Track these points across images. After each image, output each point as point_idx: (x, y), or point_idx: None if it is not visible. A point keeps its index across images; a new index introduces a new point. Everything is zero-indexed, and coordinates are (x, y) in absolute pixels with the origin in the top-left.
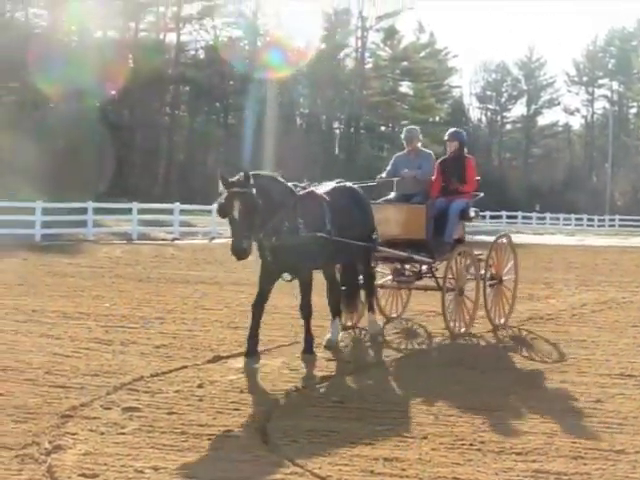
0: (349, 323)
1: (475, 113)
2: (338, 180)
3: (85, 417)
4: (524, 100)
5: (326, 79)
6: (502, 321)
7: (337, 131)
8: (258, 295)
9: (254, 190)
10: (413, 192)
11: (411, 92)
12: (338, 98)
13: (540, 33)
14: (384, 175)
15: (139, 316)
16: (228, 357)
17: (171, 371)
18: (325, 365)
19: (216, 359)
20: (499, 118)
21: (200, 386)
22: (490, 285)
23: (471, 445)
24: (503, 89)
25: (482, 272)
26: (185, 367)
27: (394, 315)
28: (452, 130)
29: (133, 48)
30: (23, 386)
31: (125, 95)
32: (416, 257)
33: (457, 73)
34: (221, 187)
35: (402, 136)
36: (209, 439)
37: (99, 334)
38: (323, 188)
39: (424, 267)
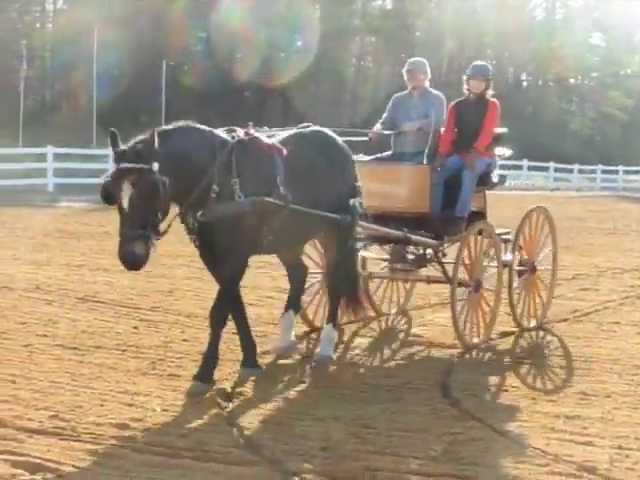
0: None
1: None
2: (303, 125)
3: (269, 364)
4: None
5: (514, 30)
6: (532, 323)
7: (524, 84)
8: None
9: (155, 165)
10: (416, 149)
11: (602, 44)
12: (526, 50)
13: None
14: (379, 126)
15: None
16: (412, 310)
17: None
18: (507, 320)
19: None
20: None
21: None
22: (518, 274)
23: None
24: None
25: (508, 257)
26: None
27: (386, 312)
28: (476, 64)
29: None
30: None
31: (311, 46)
32: (413, 237)
33: None
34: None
35: (403, 70)
36: (389, 390)
37: (281, 283)
38: (278, 137)
39: (429, 250)
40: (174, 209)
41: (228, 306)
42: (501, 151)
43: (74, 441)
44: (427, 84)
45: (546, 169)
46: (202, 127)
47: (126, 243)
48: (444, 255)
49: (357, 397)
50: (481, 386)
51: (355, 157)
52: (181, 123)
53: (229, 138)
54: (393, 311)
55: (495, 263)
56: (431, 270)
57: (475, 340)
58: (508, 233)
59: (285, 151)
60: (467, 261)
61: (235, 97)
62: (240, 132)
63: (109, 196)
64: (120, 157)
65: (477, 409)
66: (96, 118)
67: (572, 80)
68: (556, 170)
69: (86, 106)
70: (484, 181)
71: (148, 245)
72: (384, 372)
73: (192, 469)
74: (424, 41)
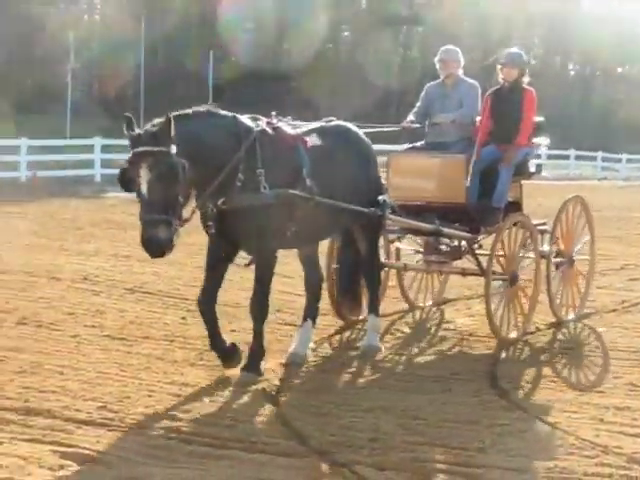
0: (354, 317)
1: None
2: (327, 119)
3: (316, 355)
4: None
5: (561, 19)
6: (571, 315)
7: (572, 73)
8: (203, 286)
9: (173, 147)
10: (451, 139)
11: None
12: (573, 37)
13: None
14: (412, 117)
15: None
16: (456, 300)
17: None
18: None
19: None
20: None
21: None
22: (556, 266)
23: None
24: None
25: (545, 248)
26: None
27: (421, 304)
28: (510, 51)
29: None
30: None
31: (359, 35)
32: (445, 230)
33: None
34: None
35: (436, 59)
36: (435, 381)
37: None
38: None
39: (464, 242)
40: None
41: (266, 299)
42: (540, 141)
43: (122, 432)
44: (460, 72)
45: (594, 159)
46: (224, 113)
47: (149, 228)
48: (480, 247)
49: (405, 388)
50: (529, 377)
51: (387, 148)
52: (201, 108)
53: (254, 126)
54: (428, 303)
55: (533, 255)
56: (467, 262)
57: (513, 334)
58: (545, 224)
59: (310, 143)
60: (502, 253)
61: (283, 85)
62: (263, 121)
63: (128, 182)
64: (136, 141)
65: (525, 401)
66: (144, 109)
67: (620, 69)
68: (604, 160)
69: (133, 97)
70: (520, 170)
71: (171, 230)
72: (430, 363)
73: (240, 460)
74: (471, 31)
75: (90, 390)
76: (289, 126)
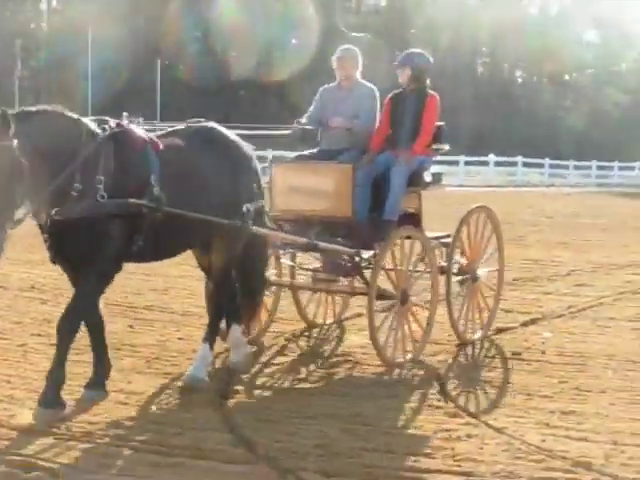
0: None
1: None
2: (193, 120)
3: (262, 362)
4: None
5: (508, 27)
6: (477, 335)
7: (519, 80)
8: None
9: (16, 141)
10: (342, 146)
11: (597, 40)
12: (520, 45)
13: None
14: (304, 120)
15: None
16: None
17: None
18: (503, 316)
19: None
20: None
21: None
22: (459, 282)
23: None
24: None
25: (443, 262)
26: None
27: (320, 321)
28: (406, 51)
29: None
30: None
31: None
32: (322, 244)
33: None
34: None
35: (333, 58)
36: (385, 387)
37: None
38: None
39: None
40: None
41: (80, 319)
42: (439, 147)
43: (69, 440)
44: (358, 75)
45: (541, 166)
46: (70, 114)
47: None
48: (367, 262)
49: (351, 394)
50: (475, 382)
51: (274, 154)
52: (46, 106)
53: (99, 130)
54: (329, 321)
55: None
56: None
57: (399, 359)
58: (449, 236)
59: (162, 145)
60: (390, 270)
61: (231, 95)
62: (112, 123)
63: None
64: None
65: (472, 405)
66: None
67: (567, 76)
68: (551, 167)
69: (81, 105)
70: (416, 181)
71: (2, 234)
72: (377, 369)
73: (187, 467)
74: (419, 38)
75: (37, 399)
76: (142, 129)
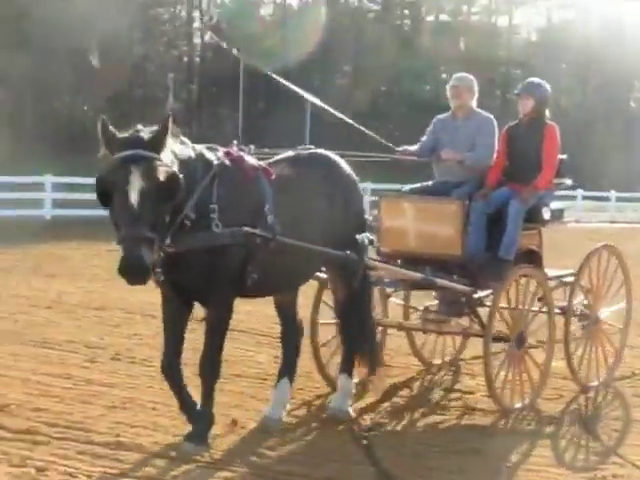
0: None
1: None
2: (303, 147)
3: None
4: None
5: None
6: (597, 382)
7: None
8: (164, 350)
9: (168, 157)
10: (457, 179)
11: None
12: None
13: None
14: (412, 149)
15: None
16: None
17: None
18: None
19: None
20: None
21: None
22: (582, 327)
23: None
24: None
25: (563, 303)
26: None
27: (437, 361)
28: (528, 80)
29: (464, 31)
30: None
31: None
32: (439, 280)
33: None
34: (102, 150)
35: (447, 86)
36: (529, 423)
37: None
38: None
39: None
40: None
41: (219, 356)
42: (562, 181)
43: (214, 468)
44: (474, 104)
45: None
46: (193, 144)
47: (131, 245)
48: (480, 302)
49: (494, 431)
50: (624, 422)
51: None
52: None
53: (214, 158)
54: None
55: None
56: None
57: (517, 405)
58: (570, 275)
59: (274, 174)
60: (506, 308)
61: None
62: (221, 151)
63: (109, 190)
64: (123, 144)
65: (618, 444)
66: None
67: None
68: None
69: (231, 136)
70: (535, 217)
71: (154, 252)
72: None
73: None
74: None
75: (180, 426)
76: (251, 156)
